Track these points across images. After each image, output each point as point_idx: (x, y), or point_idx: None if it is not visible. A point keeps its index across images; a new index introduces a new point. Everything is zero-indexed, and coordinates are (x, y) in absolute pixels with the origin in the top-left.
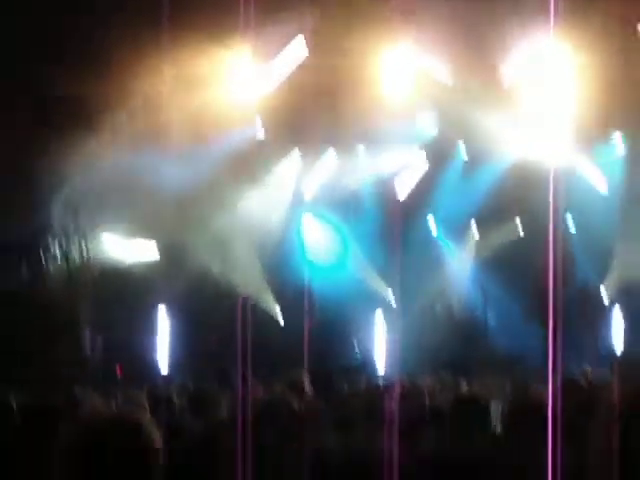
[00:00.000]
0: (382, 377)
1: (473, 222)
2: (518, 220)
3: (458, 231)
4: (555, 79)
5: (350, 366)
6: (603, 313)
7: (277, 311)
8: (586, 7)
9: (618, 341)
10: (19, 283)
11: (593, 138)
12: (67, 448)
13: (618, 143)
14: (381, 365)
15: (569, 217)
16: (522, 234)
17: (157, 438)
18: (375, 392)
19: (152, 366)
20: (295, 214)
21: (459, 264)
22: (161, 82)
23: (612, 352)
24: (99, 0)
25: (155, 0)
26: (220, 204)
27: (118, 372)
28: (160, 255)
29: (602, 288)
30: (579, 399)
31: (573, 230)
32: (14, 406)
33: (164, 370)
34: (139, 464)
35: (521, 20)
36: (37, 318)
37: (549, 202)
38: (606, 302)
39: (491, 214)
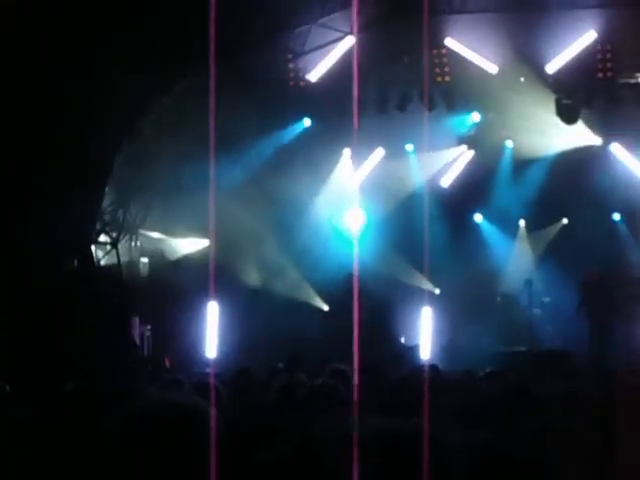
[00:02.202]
0: (425, 365)
1: (522, 217)
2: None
3: (507, 226)
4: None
5: (396, 354)
6: None
7: (323, 303)
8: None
9: None
10: (70, 274)
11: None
12: (121, 435)
13: None
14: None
15: (617, 213)
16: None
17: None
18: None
19: (200, 357)
20: (343, 208)
21: (507, 257)
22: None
23: None
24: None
25: None
26: (269, 199)
27: (167, 363)
28: (209, 251)
29: None
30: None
31: (622, 224)
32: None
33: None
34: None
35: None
36: (87, 309)
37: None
38: None
39: (540, 208)
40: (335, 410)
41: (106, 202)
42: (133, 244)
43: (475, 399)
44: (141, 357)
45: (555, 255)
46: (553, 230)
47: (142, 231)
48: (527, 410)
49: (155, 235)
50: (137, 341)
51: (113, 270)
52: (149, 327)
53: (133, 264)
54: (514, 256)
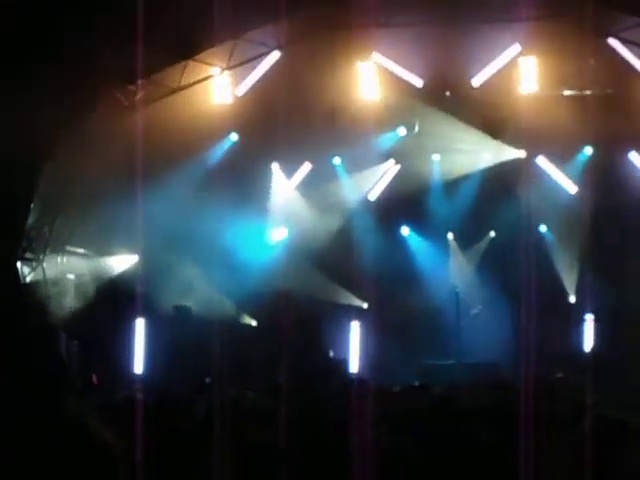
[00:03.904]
0: (355, 379)
1: (450, 230)
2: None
3: (436, 239)
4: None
5: (325, 368)
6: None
7: (251, 319)
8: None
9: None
10: None
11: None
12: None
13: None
14: (354, 367)
15: (544, 225)
16: (498, 241)
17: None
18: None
19: (128, 374)
20: (270, 224)
21: (435, 270)
22: (134, 91)
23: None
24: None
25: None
26: (196, 215)
27: (94, 380)
28: (140, 269)
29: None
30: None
31: (549, 236)
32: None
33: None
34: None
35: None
36: (14, 324)
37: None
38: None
39: (468, 222)
40: (264, 422)
41: (32, 219)
42: (59, 260)
43: (402, 410)
44: (68, 373)
45: (483, 267)
46: (482, 244)
47: (69, 247)
48: (452, 421)
49: (81, 251)
50: (64, 357)
51: (39, 286)
52: (76, 343)
53: (59, 280)
54: (443, 269)
